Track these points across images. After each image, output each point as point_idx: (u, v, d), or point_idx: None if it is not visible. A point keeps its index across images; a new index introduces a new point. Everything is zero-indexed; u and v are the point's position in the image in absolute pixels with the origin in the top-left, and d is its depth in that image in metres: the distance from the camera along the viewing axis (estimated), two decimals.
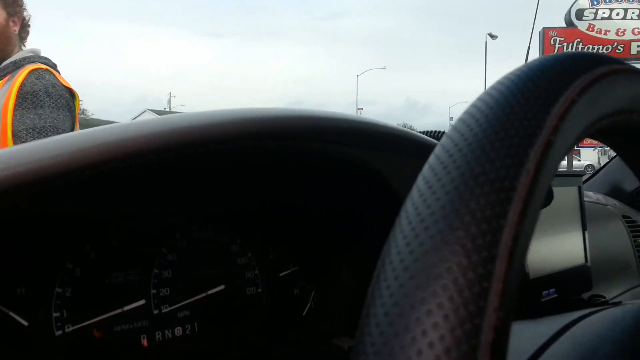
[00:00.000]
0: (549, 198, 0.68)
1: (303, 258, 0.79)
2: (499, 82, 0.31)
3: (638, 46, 15.02)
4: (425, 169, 0.27)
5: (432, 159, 0.27)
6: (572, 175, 0.95)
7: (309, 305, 0.78)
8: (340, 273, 0.79)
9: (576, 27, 14.63)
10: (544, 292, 0.82)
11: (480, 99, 0.30)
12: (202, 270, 0.68)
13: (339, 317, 0.77)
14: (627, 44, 14.97)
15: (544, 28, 14.79)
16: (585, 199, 1.37)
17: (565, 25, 14.82)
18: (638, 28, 15.01)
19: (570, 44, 14.27)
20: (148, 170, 0.54)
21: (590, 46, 14.44)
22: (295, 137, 0.61)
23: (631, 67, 0.35)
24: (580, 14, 14.69)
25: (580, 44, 14.42)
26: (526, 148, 0.25)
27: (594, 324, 0.42)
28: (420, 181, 0.27)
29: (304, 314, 0.77)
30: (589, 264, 0.94)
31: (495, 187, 0.24)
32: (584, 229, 0.95)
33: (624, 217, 1.35)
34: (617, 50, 14.86)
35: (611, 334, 0.40)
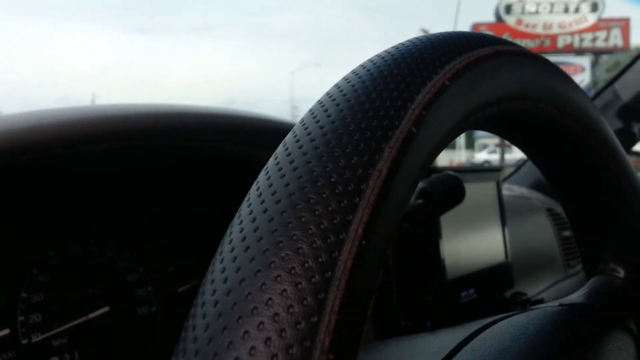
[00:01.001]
0: (459, 196, 0.65)
1: (206, 270, 0.72)
2: (362, 66, 0.26)
3: (564, 40, 15.69)
4: (260, 175, 0.22)
5: (270, 161, 0.22)
6: (490, 171, 0.92)
7: None
8: None
9: (505, 21, 15.14)
10: (463, 294, 0.79)
11: (337, 85, 0.25)
12: (81, 291, 0.60)
13: None
14: (554, 38, 15.62)
15: (474, 23, 15.23)
16: (509, 193, 1.37)
17: (495, 20, 15.31)
18: (564, 22, 15.68)
19: None
20: (6, 174, 0.47)
21: (519, 40, 14.95)
22: (177, 136, 0.55)
23: (520, 48, 0.31)
24: (509, 8, 15.22)
25: (509, 38, 14.89)
26: (379, 142, 0.20)
27: (496, 334, 0.38)
28: (252, 188, 0.21)
29: None
30: (509, 260, 0.92)
31: (337, 192, 0.19)
32: (503, 225, 0.93)
33: (548, 210, 1.35)
34: (545, 45, 15.48)
35: (513, 344, 0.36)
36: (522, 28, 15.39)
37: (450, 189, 0.64)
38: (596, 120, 0.38)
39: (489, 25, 15.23)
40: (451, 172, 0.66)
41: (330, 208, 0.18)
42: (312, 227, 0.18)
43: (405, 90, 0.23)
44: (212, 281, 0.18)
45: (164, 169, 0.62)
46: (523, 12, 15.59)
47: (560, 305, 0.43)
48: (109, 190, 0.61)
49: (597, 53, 15.53)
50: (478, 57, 0.26)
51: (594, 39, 15.45)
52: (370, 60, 0.26)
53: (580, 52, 15.77)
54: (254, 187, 0.21)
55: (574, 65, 15.32)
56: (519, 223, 1.22)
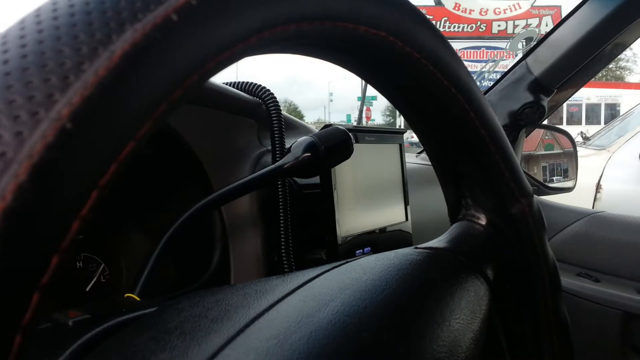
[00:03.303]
0: (347, 151, 0.64)
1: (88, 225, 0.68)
2: None
3: (499, 26, 16.12)
4: None
5: None
6: (394, 133, 0.93)
7: (94, 280, 0.68)
8: (129, 234, 0.70)
9: (444, 5, 15.38)
10: (358, 251, 0.79)
11: None
12: None
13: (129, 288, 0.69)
14: (489, 23, 16.01)
15: None
16: (424, 162, 1.39)
17: (434, 4, 15.53)
18: (499, 8, 16.07)
19: (438, 22, 14.98)
20: None
21: (456, 24, 15.25)
22: None
23: None
24: None
25: (447, 22, 15.19)
26: (122, 22, 0.18)
27: (341, 273, 0.37)
28: None
29: (87, 289, 0.68)
30: (409, 222, 0.93)
31: (46, 69, 0.16)
32: (404, 187, 0.94)
33: None
34: (480, 29, 15.87)
35: (354, 282, 0.35)
36: (459, 13, 15.69)
37: (339, 143, 0.63)
38: (449, 60, 0.37)
39: (427, 8, 15.45)
40: (340, 127, 0.65)
41: (31, 85, 0.16)
42: None
43: None
44: None
45: None
46: None
47: (416, 248, 0.42)
48: None
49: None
50: None
51: (527, 26, 15.95)
52: None
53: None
54: None
55: (506, 50, 15.74)
56: (430, 191, 1.24)
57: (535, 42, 1.49)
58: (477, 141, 0.41)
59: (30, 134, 0.15)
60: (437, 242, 0.43)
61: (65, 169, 0.16)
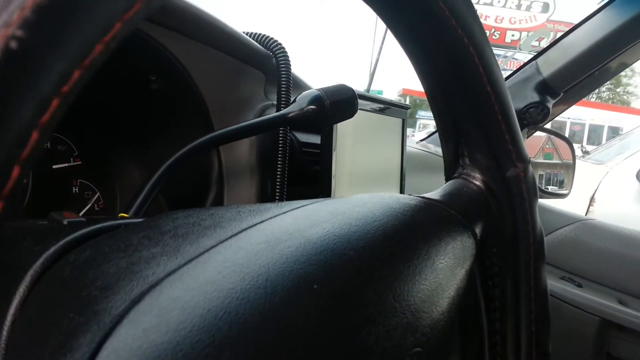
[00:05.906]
0: (351, 109, 0.64)
1: (86, 150, 0.69)
2: None
3: (512, 35, 16.08)
4: None
5: None
6: (398, 107, 0.93)
7: (88, 207, 0.69)
8: (127, 168, 0.70)
9: None
10: None
11: None
12: None
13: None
14: (504, 31, 15.97)
15: None
16: (424, 149, 1.40)
17: None
18: (514, 18, 16.04)
19: None
20: None
21: None
22: None
23: None
24: None
25: None
26: None
27: (336, 202, 0.37)
28: None
29: (81, 215, 0.68)
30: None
31: None
32: (402, 161, 0.94)
33: None
34: (494, 37, 15.81)
35: (347, 211, 0.35)
36: None
37: (344, 100, 0.64)
38: (467, 12, 0.38)
39: None
40: (348, 86, 0.66)
41: None
42: None
43: None
44: None
45: None
46: (478, 1, 15.82)
47: (410, 195, 0.42)
48: None
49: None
50: None
51: (540, 39, 15.92)
52: None
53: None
54: None
55: (521, 61, 15.73)
56: (426, 175, 1.25)
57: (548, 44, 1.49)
58: (482, 98, 0.41)
59: None
60: (431, 194, 0.43)
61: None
